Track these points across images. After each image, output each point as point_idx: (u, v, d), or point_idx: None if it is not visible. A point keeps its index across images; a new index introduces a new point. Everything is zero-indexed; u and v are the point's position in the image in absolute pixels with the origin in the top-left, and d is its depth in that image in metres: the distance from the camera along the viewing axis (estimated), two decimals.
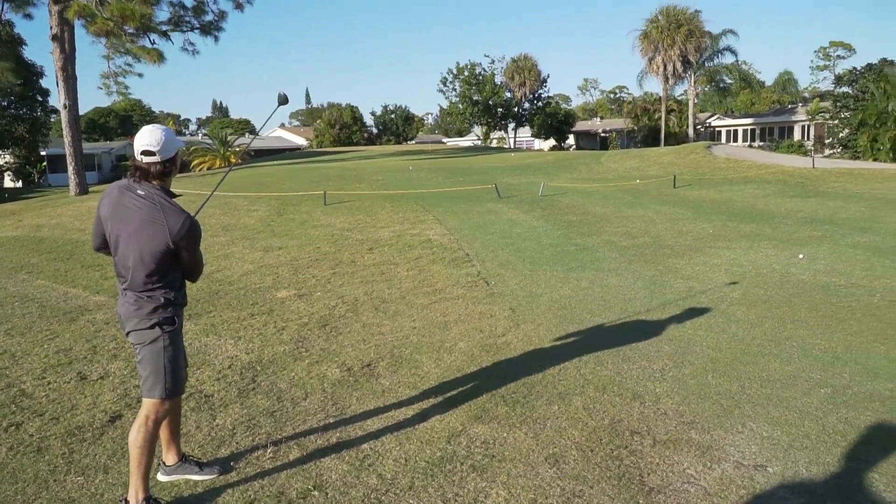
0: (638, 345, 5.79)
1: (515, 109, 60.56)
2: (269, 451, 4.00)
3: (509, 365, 5.41)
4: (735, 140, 57.16)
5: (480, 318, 6.77)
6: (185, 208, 3.31)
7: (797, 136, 53.04)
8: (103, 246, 3.44)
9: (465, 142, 72.46)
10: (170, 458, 3.69)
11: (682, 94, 55.77)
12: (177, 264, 3.32)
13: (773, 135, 55.14)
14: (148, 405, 3.33)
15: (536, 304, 7.29)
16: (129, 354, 5.70)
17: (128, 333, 3.35)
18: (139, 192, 3.24)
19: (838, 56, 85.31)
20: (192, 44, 25.75)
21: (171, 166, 3.31)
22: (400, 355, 5.71)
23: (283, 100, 4.15)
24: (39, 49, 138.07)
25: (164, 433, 3.63)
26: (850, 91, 39.57)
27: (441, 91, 61.16)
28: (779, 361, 5.33)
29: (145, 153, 3.22)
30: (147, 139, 3.22)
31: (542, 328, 6.40)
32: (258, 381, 5.18)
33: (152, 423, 3.32)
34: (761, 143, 52.88)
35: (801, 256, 9.44)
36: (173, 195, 3.33)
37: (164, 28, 24.22)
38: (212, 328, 6.62)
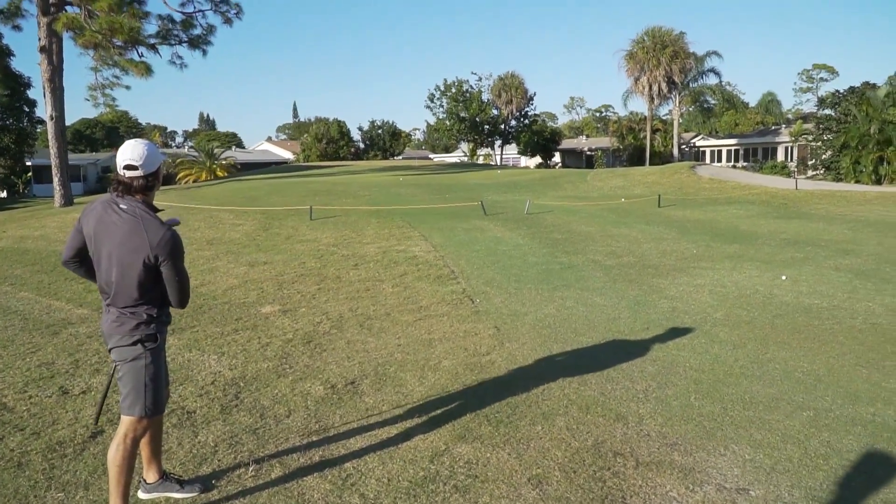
0: (622, 365, 5.81)
1: (502, 126, 60.81)
2: (251, 469, 3.97)
3: (493, 384, 5.41)
4: (719, 160, 57.73)
5: (465, 337, 6.77)
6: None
7: (780, 157, 53.64)
8: (73, 258, 3.42)
9: (452, 158, 72.70)
10: (150, 475, 3.66)
11: (666, 114, 56.24)
12: (161, 281, 3.30)
13: (757, 156, 55.73)
14: (127, 423, 3.30)
15: (521, 322, 7.30)
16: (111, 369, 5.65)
17: (110, 349, 3.34)
18: (122, 206, 3.24)
19: (821, 78, 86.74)
20: (180, 57, 25.91)
21: (153, 180, 3.33)
22: (384, 373, 5.70)
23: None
24: (27, 60, 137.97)
25: (145, 450, 3.60)
26: (833, 113, 40.04)
27: (428, 107, 61.42)
28: (761, 383, 5.36)
29: (128, 168, 3.22)
30: (130, 154, 3.22)
31: (527, 347, 6.41)
32: (241, 397, 5.15)
33: (131, 441, 3.30)
34: (745, 164, 53.44)
35: (783, 278, 9.53)
36: (156, 209, 3.33)
37: (152, 41, 24.28)
38: (195, 343, 6.58)
